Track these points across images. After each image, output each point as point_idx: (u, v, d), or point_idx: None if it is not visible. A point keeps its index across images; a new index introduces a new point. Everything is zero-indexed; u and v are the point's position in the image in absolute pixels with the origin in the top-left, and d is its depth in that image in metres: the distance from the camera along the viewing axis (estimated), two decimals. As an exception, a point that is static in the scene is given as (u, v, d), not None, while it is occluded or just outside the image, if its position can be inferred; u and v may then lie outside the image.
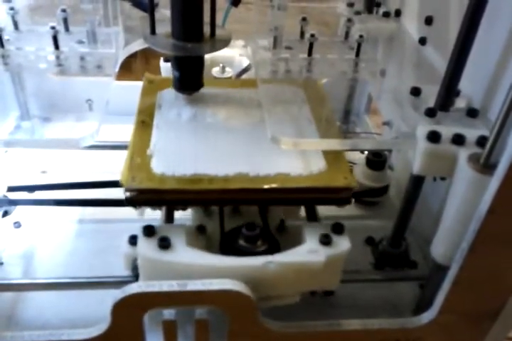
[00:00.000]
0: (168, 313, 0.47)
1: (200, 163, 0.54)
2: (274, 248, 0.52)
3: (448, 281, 0.48)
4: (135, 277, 0.52)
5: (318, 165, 0.54)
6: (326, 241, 0.49)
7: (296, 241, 0.53)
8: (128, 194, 0.50)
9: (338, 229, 0.51)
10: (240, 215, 0.59)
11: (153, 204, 0.55)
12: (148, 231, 0.49)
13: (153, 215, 0.58)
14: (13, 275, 0.62)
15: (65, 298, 0.59)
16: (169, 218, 0.58)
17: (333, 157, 0.55)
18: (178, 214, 0.59)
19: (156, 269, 0.48)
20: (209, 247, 0.54)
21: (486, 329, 0.53)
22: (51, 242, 0.67)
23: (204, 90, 0.63)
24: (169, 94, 0.64)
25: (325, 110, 0.64)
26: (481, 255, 0.46)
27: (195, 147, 0.56)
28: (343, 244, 0.50)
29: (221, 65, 0.77)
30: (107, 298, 0.46)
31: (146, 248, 0.48)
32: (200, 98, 0.63)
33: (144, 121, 0.60)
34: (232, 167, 0.53)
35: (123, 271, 0.55)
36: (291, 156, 0.55)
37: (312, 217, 0.59)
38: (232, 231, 0.54)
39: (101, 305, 0.47)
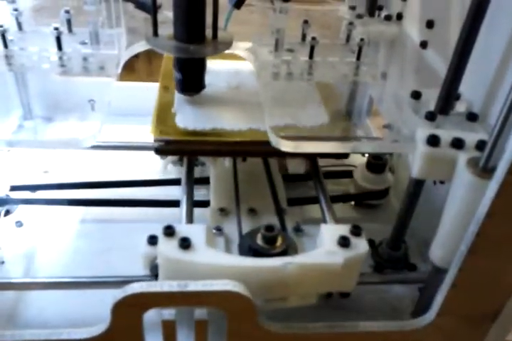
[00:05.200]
0: (168, 313, 0.48)
1: (218, 119, 0.62)
2: (292, 249, 0.53)
3: (446, 284, 0.49)
4: (154, 277, 0.52)
5: (322, 118, 0.62)
6: (344, 243, 0.50)
7: (313, 243, 0.53)
8: (157, 144, 0.59)
9: (356, 231, 0.51)
10: (257, 217, 0.62)
11: (178, 153, 0.66)
12: (169, 231, 0.49)
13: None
14: (14, 275, 0.63)
15: (66, 298, 0.60)
16: (189, 173, 0.64)
17: (334, 112, 0.63)
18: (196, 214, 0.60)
19: (177, 269, 0.49)
20: (227, 248, 0.56)
21: (484, 332, 0.53)
22: (53, 242, 0.68)
23: (217, 63, 0.70)
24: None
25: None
26: (479, 258, 0.46)
27: (213, 107, 0.64)
28: (361, 246, 0.50)
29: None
30: (108, 297, 0.46)
31: (167, 248, 0.48)
32: (216, 69, 0.68)
33: (167, 86, 0.68)
34: (245, 123, 0.61)
35: (124, 270, 0.55)
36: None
37: (315, 171, 0.66)
38: (251, 232, 0.55)
39: (102, 304, 0.47)
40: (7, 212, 0.71)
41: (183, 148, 0.60)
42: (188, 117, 0.62)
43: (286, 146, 0.51)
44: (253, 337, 0.49)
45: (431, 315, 0.51)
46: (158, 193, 0.74)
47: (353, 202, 0.78)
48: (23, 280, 0.59)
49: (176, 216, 0.59)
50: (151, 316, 0.47)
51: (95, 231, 0.70)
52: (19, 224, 0.70)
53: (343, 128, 0.64)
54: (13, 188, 0.72)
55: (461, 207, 0.47)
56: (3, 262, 0.64)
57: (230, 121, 0.61)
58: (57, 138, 0.62)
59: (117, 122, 0.73)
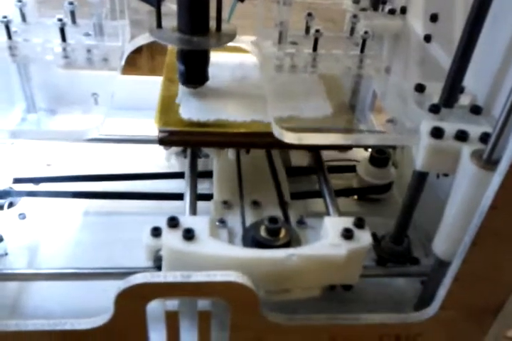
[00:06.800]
0: (171, 304, 0.48)
1: (221, 111, 0.62)
2: (295, 242, 0.54)
3: (449, 277, 0.49)
4: (157, 268, 0.53)
5: (325, 111, 0.62)
6: (347, 235, 0.50)
7: (316, 236, 0.54)
8: (161, 135, 0.59)
9: (359, 223, 0.51)
10: (260, 210, 0.62)
11: (181, 144, 0.66)
12: (173, 222, 0.49)
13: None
14: (17, 266, 0.63)
15: (69, 289, 0.60)
16: (193, 166, 0.65)
17: (338, 104, 0.63)
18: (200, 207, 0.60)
19: (181, 260, 0.49)
20: (230, 241, 0.56)
21: (487, 325, 0.53)
22: (56, 234, 0.68)
23: (221, 56, 0.70)
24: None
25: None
26: (482, 251, 0.46)
27: (217, 99, 0.64)
28: (364, 238, 0.50)
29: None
30: (111, 288, 0.46)
31: (171, 239, 0.49)
32: (220, 61, 0.68)
33: (172, 78, 0.67)
34: (249, 115, 0.61)
35: (127, 262, 0.55)
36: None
37: (319, 164, 0.66)
38: (254, 224, 0.55)
39: (105, 295, 0.47)
40: (10, 204, 0.71)
41: (186, 139, 0.60)
42: (192, 108, 0.62)
43: (290, 138, 0.51)
44: (255, 327, 0.49)
45: (433, 308, 0.51)
46: (160, 186, 0.74)
47: (356, 197, 0.78)
48: (27, 272, 0.60)
49: (177, 209, 0.59)
50: (155, 307, 0.47)
51: (98, 224, 0.70)
52: (22, 216, 0.70)
53: (347, 120, 0.64)
54: (17, 181, 0.72)
55: (464, 200, 0.47)
56: (6, 254, 0.64)
57: (233, 113, 0.61)
58: (60, 130, 0.62)
59: (120, 116, 0.73)
